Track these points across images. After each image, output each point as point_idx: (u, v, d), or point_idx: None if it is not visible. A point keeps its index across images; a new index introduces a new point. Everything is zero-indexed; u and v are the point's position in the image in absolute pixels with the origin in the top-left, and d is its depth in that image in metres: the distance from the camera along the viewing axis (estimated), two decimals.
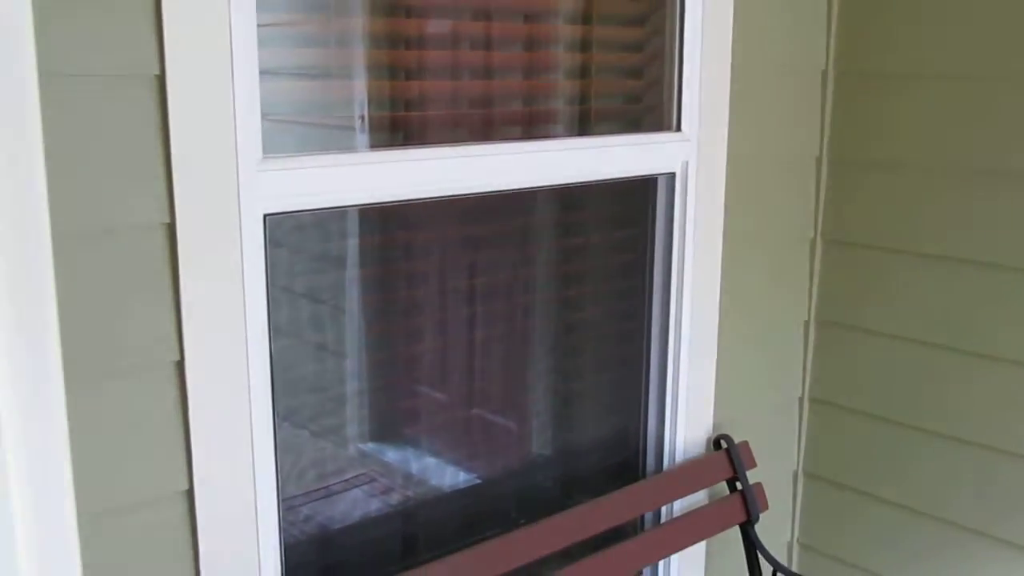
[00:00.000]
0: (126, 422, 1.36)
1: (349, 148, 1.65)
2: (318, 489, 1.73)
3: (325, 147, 1.61)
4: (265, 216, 1.45)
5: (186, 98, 1.32)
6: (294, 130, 1.59)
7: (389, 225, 1.75)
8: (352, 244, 1.71)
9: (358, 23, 1.63)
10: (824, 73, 2.30)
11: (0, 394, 0.96)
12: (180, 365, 1.39)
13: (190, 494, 1.43)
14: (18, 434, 1.00)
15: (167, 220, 1.34)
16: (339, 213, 1.65)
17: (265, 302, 1.46)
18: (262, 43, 1.44)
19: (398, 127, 1.72)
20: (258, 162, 1.42)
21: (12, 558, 1.01)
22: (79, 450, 1.32)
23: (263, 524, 1.51)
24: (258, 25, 1.42)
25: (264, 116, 1.45)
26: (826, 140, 2.32)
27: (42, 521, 1.08)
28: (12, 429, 0.99)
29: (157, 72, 1.31)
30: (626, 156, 1.95)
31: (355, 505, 1.79)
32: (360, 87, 1.66)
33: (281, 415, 1.62)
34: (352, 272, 1.72)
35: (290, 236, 1.60)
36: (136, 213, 1.32)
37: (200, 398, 1.40)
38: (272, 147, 1.47)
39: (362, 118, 1.67)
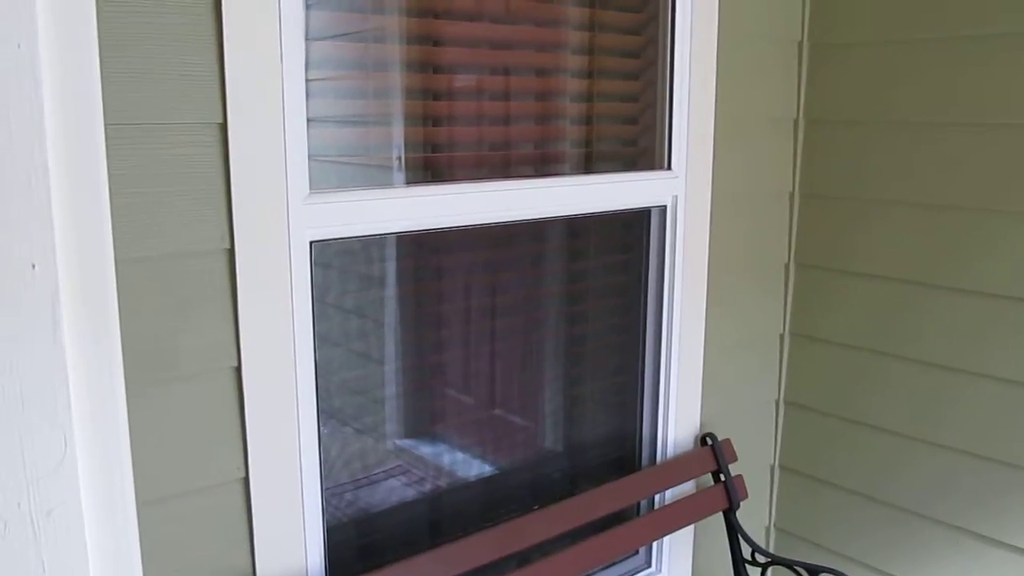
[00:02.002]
0: (193, 418, 1.38)
1: (388, 184, 1.66)
2: (358, 479, 1.74)
3: (369, 183, 1.63)
4: (311, 242, 1.47)
5: (244, 143, 1.34)
6: (342, 169, 1.61)
7: (421, 250, 1.77)
8: (389, 266, 1.73)
9: (395, 78, 1.65)
10: (795, 121, 2.30)
11: (74, 396, 0.98)
12: (238, 370, 1.41)
13: (246, 481, 1.45)
14: (87, 433, 1.02)
15: (228, 246, 1.37)
16: (377, 239, 1.67)
17: (311, 316, 1.48)
18: (314, 94, 1.47)
19: (429, 166, 1.73)
20: (305, 196, 1.44)
21: (81, 536, 1.03)
22: (153, 441, 1.34)
23: (308, 508, 1.53)
24: (310, 80, 1.44)
25: (316, 157, 1.48)
26: (798, 178, 2.33)
27: (105, 505, 1.10)
28: (82, 427, 1.01)
29: (220, 121, 1.33)
30: (623, 191, 1.96)
31: (390, 493, 1.80)
32: (397, 133, 1.68)
33: (326, 413, 1.64)
34: (388, 290, 1.74)
35: (336, 259, 1.62)
36: (202, 241, 1.35)
37: (255, 398, 1.42)
38: (323, 183, 1.50)
39: (399, 159, 1.70)
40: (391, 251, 1.72)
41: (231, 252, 1.37)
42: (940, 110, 2.04)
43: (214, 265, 1.37)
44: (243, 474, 1.44)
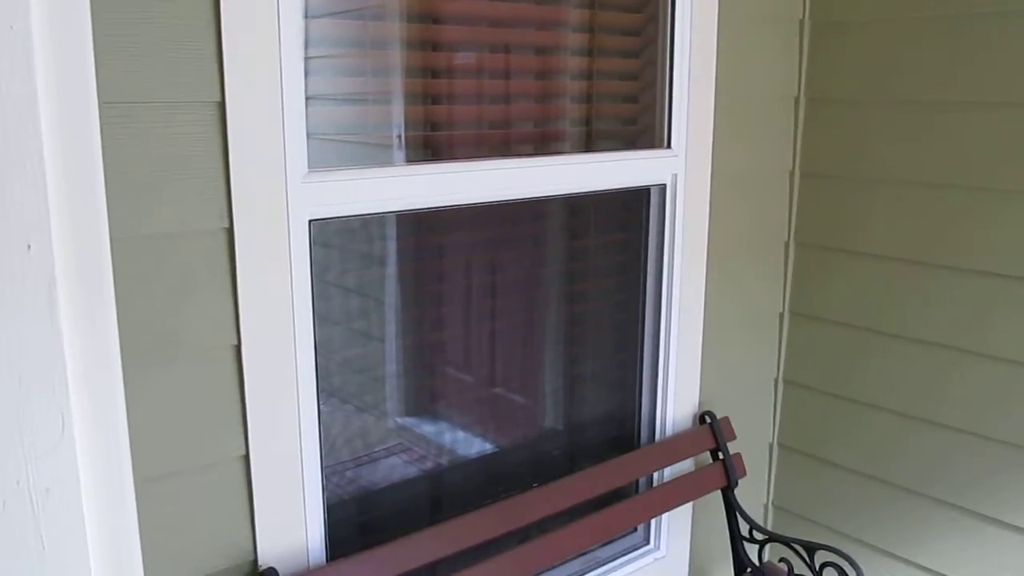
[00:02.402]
0: (194, 396, 1.39)
1: (388, 163, 1.66)
2: (358, 457, 1.75)
3: (369, 161, 1.62)
4: (310, 221, 1.46)
5: (242, 122, 1.34)
6: (343, 148, 1.60)
7: (421, 228, 1.76)
8: (390, 244, 1.73)
9: (395, 56, 1.64)
10: (796, 99, 2.29)
11: (71, 375, 0.98)
12: (238, 349, 1.41)
13: (247, 459, 1.45)
14: (85, 411, 1.02)
15: (227, 225, 1.36)
16: (378, 218, 1.66)
17: (310, 294, 1.48)
18: (314, 72, 1.46)
19: (429, 145, 1.73)
20: (304, 175, 1.43)
21: (80, 514, 1.04)
22: (154, 419, 1.35)
23: (308, 486, 1.53)
24: (309, 58, 1.44)
25: (316, 136, 1.47)
26: (799, 156, 2.32)
27: (103, 483, 1.10)
28: (80, 406, 1.01)
29: (218, 99, 1.32)
30: (623, 170, 1.96)
31: (390, 471, 1.81)
32: (398, 111, 1.67)
33: (326, 392, 1.64)
34: (388, 268, 1.73)
35: (336, 237, 1.62)
36: (201, 220, 1.35)
37: (255, 377, 1.42)
38: (323, 162, 1.49)
39: (399, 137, 1.69)
40: (391, 230, 1.72)
41: (230, 231, 1.37)
42: (940, 89, 2.03)
43: (213, 244, 1.36)
44: (243, 452, 1.45)
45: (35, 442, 0.95)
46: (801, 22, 2.25)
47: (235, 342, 1.40)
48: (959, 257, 2.04)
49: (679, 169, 2.03)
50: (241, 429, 1.44)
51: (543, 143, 1.90)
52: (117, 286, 1.26)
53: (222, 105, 1.32)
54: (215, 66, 1.31)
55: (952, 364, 2.09)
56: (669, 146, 2.02)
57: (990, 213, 1.98)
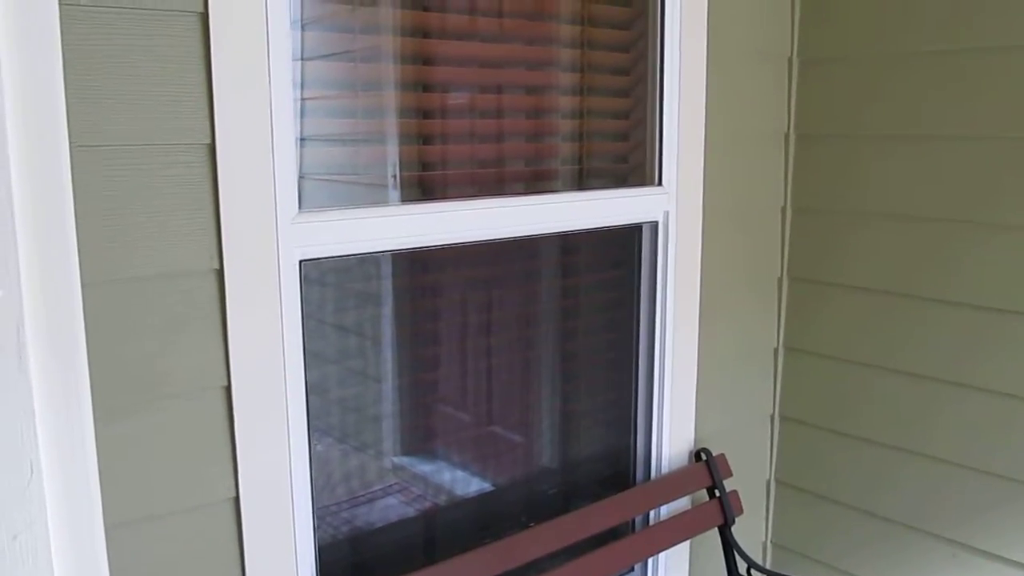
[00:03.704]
0: (183, 438, 1.38)
1: (380, 202, 1.67)
2: (351, 497, 1.74)
3: (362, 201, 1.64)
4: (300, 262, 1.47)
5: (233, 163, 1.35)
6: (337, 188, 1.62)
7: (414, 267, 1.77)
8: (383, 283, 1.73)
9: (387, 97, 1.66)
10: (786, 135, 2.31)
11: (40, 422, 0.98)
12: (228, 390, 1.41)
13: (237, 501, 1.44)
14: (53, 458, 1.02)
15: (217, 266, 1.37)
16: (371, 257, 1.67)
17: (301, 335, 1.48)
18: (307, 113, 1.48)
19: (420, 184, 1.74)
20: (294, 216, 1.44)
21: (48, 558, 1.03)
22: (143, 461, 1.34)
23: (299, 528, 1.52)
24: (305, 99, 1.45)
25: (311, 176, 1.49)
26: (790, 192, 2.33)
27: (73, 529, 1.09)
28: (48, 453, 1.01)
29: (209, 142, 1.34)
30: (614, 208, 1.97)
31: (383, 511, 1.79)
32: (389, 152, 1.69)
33: (319, 431, 1.64)
34: (381, 307, 1.74)
35: (329, 276, 1.63)
36: (192, 261, 1.35)
37: (245, 418, 1.42)
38: (319, 201, 1.51)
39: (394, 177, 1.70)
40: (384, 269, 1.73)
41: (220, 272, 1.37)
42: (927, 123, 2.05)
43: (203, 285, 1.37)
44: (233, 494, 1.44)
45: (2, 488, 0.94)
46: (789, 59, 2.28)
47: (225, 383, 1.40)
48: (948, 290, 2.05)
49: (670, 206, 2.04)
50: (231, 471, 1.43)
51: (534, 182, 1.92)
52: (106, 328, 1.28)
53: (212, 148, 1.34)
54: (206, 109, 1.33)
55: (943, 397, 2.09)
56: (660, 183, 2.03)
57: (977, 246, 1.99)
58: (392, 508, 1.81)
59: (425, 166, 1.75)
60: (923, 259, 2.09)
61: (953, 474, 2.09)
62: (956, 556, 2.10)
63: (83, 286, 1.23)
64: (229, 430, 1.42)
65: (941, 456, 2.11)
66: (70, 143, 1.19)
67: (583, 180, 2.00)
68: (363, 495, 1.76)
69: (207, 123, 1.33)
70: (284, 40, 1.38)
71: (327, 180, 1.60)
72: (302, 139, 1.53)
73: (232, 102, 1.34)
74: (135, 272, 1.30)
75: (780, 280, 2.38)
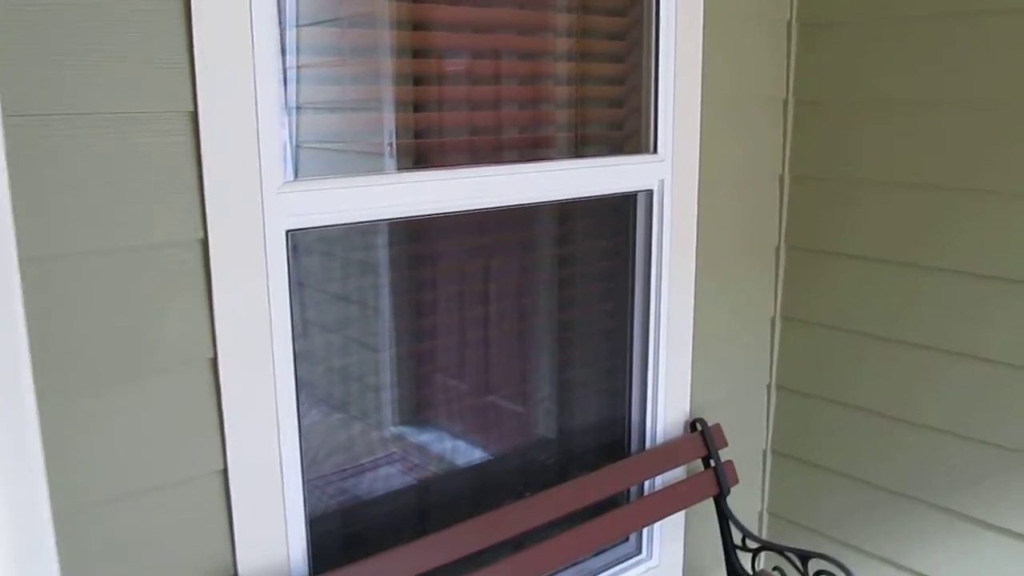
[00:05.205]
0: (169, 410, 1.37)
1: (373, 170, 1.65)
2: (341, 468, 1.73)
3: (356, 169, 1.62)
4: (288, 232, 1.45)
5: (216, 132, 1.33)
6: (332, 156, 1.60)
7: (407, 236, 1.75)
8: (375, 252, 1.72)
9: (379, 64, 1.63)
10: (785, 101, 2.28)
11: None
12: (214, 362, 1.39)
13: (225, 473, 1.44)
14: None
15: (201, 236, 1.35)
16: (364, 226, 1.65)
17: (288, 306, 1.46)
18: (297, 81, 1.45)
19: (412, 152, 1.72)
20: (280, 185, 1.42)
21: None
22: (129, 434, 1.33)
23: (289, 499, 1.52)
24: (300, 66, 1.43)
25: (305, 144, 1.47)
26: (788, 160, 2.30)
27: (17, 514, 1.08)
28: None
29: (191, 109, 1.31)
30: (609, 175, 1.94)
31: (375, 482, 1.79)
32: (382, 119, 1.66)
33: (309, 401, 1.63)
34: (373, 276, 1.72)
35: (321, 245, 1.61)
36: (175, 231, 1.33)
37: (232, 390, 1.41)
38: (313, 170, 1.49)
39: (390, 145, 1.68)
40: (378, 237, 1.71)
41: (205, 242, 1.35)
42: (925, 88, 2.02)
43: (188, 256, 1.35)
44: (222, 466, 1.43)
45: None
46: (788, 23, 2.24)
47: (211, 355, 1.39)
48: (944, 258, 2.03)
49: (666, 174, 2.02)
50: (219, 443, 1.42)
51: (527, 150, 1.89)
52: (91, 299, 1.26)
53: (195, 115, 1.31)
54: (187, 76, 1.30)
55: (939, 366, 2.08)
56: (655, 151, 2.00)
57: (974, 213, 1.97)
58: (386, 479, 1.80)
59: (418, 133, 1.72)
60: (920, 227, 2.07)
61: (948, 443, 2.09)
62: (948, 524, 2.10)
63: (56, 258, 1.22)
64: (216, 402, 1.41)
65: (936, 425, 2.10)
66: (39, 112, 1.16)
67: (578, 148, 1.98)
68: (354, 466, 1.76)
69: (189, 90, 1.30)
70: (268, 4, 1.35)
71: (320, 148, 1.58)
72: (297, 107, 1.51)
73: (214, 69, 1.31)
74: (118, 243, 1.28)
75: (778, 249, 2.36)
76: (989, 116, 1.92)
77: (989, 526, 2.03)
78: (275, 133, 1.40)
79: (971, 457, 2.05)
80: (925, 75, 2.01)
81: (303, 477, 1.54)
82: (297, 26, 1.50)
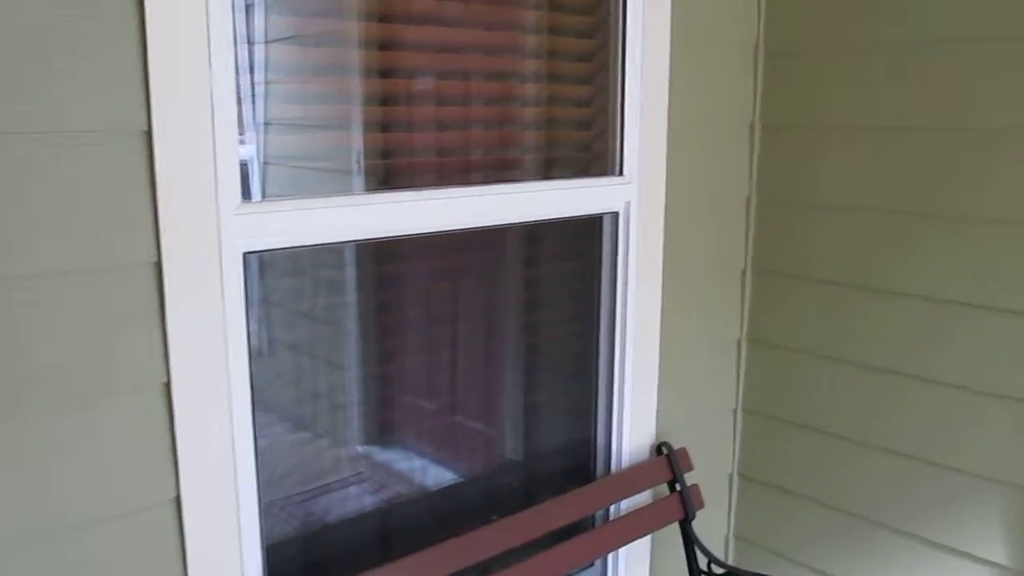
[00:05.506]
0: (121, 437, 1.33)
1: (347, 190, 1.63)
2: (300, 492, 1.70)
3: (328, 190, 1.60)
4: (244, 254, 1.42)
5: (171, 152, 1.30)
6: (304, 175, 1.58)
7: (371, 257, 1.73)
8: (344, 272, 1.69)
9: (344, 83, 1.61)
10: (752, 125, 2.28)
11: None
12: (167, 387, 1.36)
13: (178, 502, 1.40)
14: None
15: (155, 259, 1.32)
16: (329, 247, 1.62)
17: (245, 330, 1.44)
18: (263, 99, 1.43)
19: (381, 173, 1.69)
20: (236, 207, 1.39)
21: None
22: (81, 462, 1.29)
23: (245, 526, 1.48)
24: (258, 84, 1.41)
25: (272, 163, 1.45)
26: (755, 183, 2.31)
27: None
28: None
29: (145, 129, 1.28)
30: (575, 197, 1.93)
31: (335, 506, 1.76)
32: (348, 138, 1.64)
33: (269, 424, 1.59)
34: (338, 297, 1.70)
35: (287, 264, 1.58)
36: (128, 254, 1.30)
37: (186, 416, 1.38)
38: (281, 188, 1.48)
39: (359, 164, 1.66)
40: (343, 256, 1.68)
41: (158, 265, 1.32)
42: (883, 114, 2.03)
43: (140, 279, 1.32)
44: (175, 494, 1.40)
45: None
46: (755, 48, 2.25)
47: (165, 380, 1.36)
48: (904, 282, 2.05)
49: (632, 196, 2.01)
50: (172, 470, 1.39)
51: (493, 171, 1.88)
52: (40, 323, 1.23)
53: (149, 135, 1.28)
54: (141, 94, 1.27)
55: (903, 390, 2.09)
56: (622, 173, 2.00)
57: (932, 238, 1.99)
58: (349, 501, 1.77)
59: (386, 153, 1.70)
60: (882, 251, 2.08)
61: (913, 468, 2.09)
62: (913, 549, 2.10)
63: (4, 280, 1.19)
64: (170, 428, 1.38)
65: (901, 450, 2.10)
66: None
67: (544, 169, 1.97)
68: (314, 489, 1.72)
69: (143, 109, 1.28)
70: (225, 21, 1.33)
71: (290, 167, 1.55)
72: (266, 124, 1.49)
73: (169, 87, 1.28)
74: (69, 266, 1.25)
75: (744, 272, 2.36)
76: (945, 142, 1.94)
77: (952, 551, 2.03)
78: (232, 153, 1.37)
79: (935, 482, 2.05)
80: (885, 101, 2.03)
81: (259, 503, 1.51)
82: (265, 42, 1.47)
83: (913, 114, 1.99)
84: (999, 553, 1.95)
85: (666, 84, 2.03)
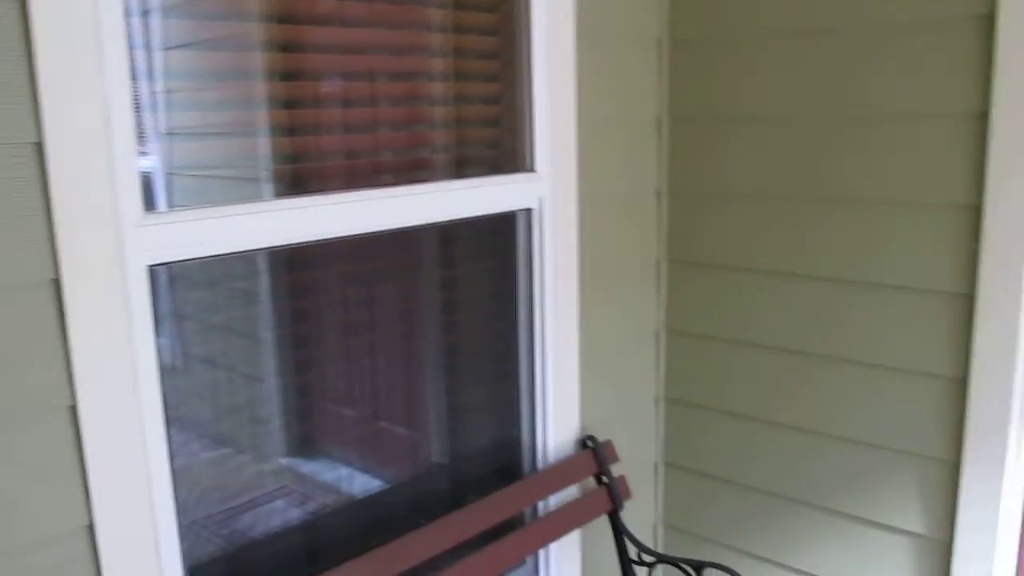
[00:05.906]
0: (26, 464, 1.27)
1: (257, 197, 1.58)
2: (224, 510, 1.65)
3: (238, 197, 1.55)
4: (150, 267, 1.37)
5: (65, 164, 1.24)
6: (212, 183, 1.53)
7: (291, 263, 1.69)
8: (258, 280, 1.65)
9: (248, 87, 1.57)
10: (659, 118, 2.31)
11: None
12: (73, 409, 1.30)
13: (91, 528, 1.34)
14: None
15: (53, 276, 1.26)
16: (239, 256, 1.57)
17: (153, 345, 1.38)
18: (176, 106, 1.38)
19: (295, 177, 1.65)
20: (139, 218, 1.34)
21: None
22: None
23: (164, 549, 1.43)
24: (171, 91, 1.37)
25: (177, 172, 1.40)
26: (666, 175, 2.34)
27: None
28: None
29: (36, 140, 1.23)
30: (488, 195, 1.93)
31: (262, 519, 1.71)
32: (262, 144, 1.60)
33: (192, 440, 1.54)
34: (250, 307, 1.65)
35: (197, 275, 1.53)
36: (24, 273, 1.24)
37: (95, 437, 1.32)
38: (189, 199, 1.44)
39: (267, 171, 1.62)
40: (256, 264, 1.64)
41: (57, 283, 1.26)
42: (776, 103, 2.09)
43: (39, 298, 1.26)
44: (87, 521, 1.34)
45: None
46: (659, 41, 2.28)
47: (70, 402, 1.30)
48: (797, 264, 2.13)
49: (545, 192, 2.01)
50: (83, 495, 1.33)
51: (405, 172, 1.85)
52: None
53: (40, 147, 1.23)
54: (30, 104, 1.21)
55: (807, 368, 2.16)
56: (533, 169, 2.00)
57: (822, 220, 2.07)
58: (275, 515, 1.73)
59: (293, 158, 1.66)
60: (778, 236, 2.14)
61: (821, 443, 2.15)
62: (830, 524, 2.16)
63: None
64: (78, 452, 1.32)
65: (808, 427, 2.17)
66: None
67: (455, 168, 1.95)
68: (237, 506, 1.68)
69: (33, 120, 1.22)
70: (117, 27, 1.28)
71: (197, 176, 1.50)
72: (169, 133, 1.44)
73: (60, 96, 1.23)
74: None
75: (659, 262, 2.39)
76: (829, 129, 2.02)
77: (869, 522, 2.10)
78: (132, 163, 1.32)
79: (845, 457, 2.11)
80: (777, 91, 2.08)
81: (179, 525, 1.46)
82: (165, 49, 1.42)
83: (800, 103, 2.05)
84: (914, 522, 2.02)
85: (572, 79, 2.03)
